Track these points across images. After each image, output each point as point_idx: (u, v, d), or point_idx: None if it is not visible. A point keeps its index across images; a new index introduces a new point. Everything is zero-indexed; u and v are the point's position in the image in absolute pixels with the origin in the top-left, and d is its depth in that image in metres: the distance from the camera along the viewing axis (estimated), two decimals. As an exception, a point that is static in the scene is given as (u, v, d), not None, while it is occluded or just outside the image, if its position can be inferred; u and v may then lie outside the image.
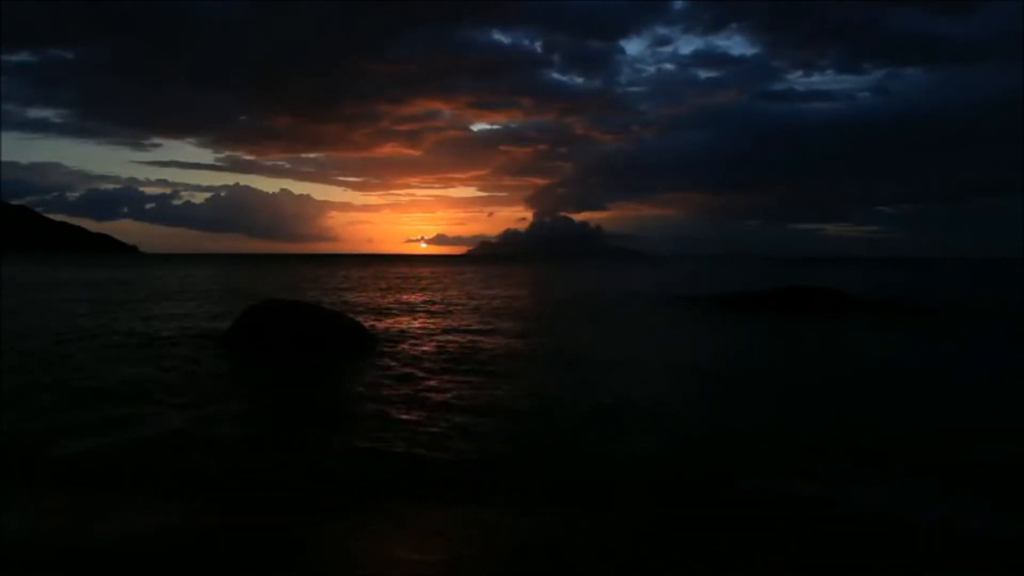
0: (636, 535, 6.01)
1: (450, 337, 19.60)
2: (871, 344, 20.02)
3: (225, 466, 7.83)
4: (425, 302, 33.93)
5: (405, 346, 17.63)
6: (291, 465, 7.89)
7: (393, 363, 14.85)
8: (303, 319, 16.81)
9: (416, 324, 23.36)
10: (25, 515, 6.39)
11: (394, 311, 28.50)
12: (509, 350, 17.17)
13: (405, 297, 37.70)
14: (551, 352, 17.18)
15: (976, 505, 6.91)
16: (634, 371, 14.53)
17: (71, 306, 29.16)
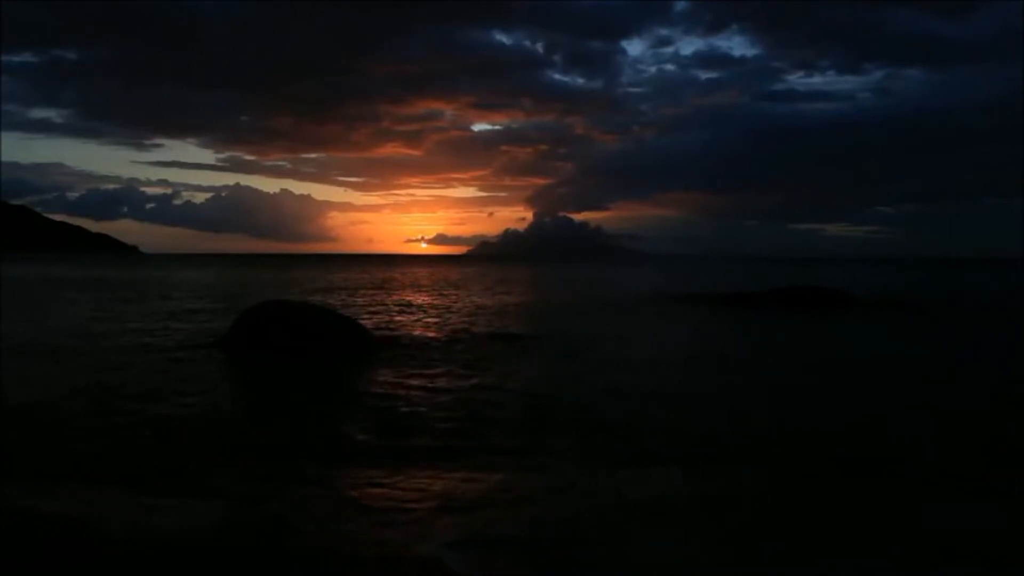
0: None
1: (451, 337, 19.64)
2: (855, 343, 19.99)
3: (225, 468, 7.89)
4: (425, 302, 33.97)
5: (406, 346, 17.66)
6: (289, 470, 7.95)
7: (394, 363, 14.89)
8: (303, 320, 16.82)
9: (417, 324, 23.42)
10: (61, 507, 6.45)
11: (395, 311, 28.55)
12: (511, 352, 17.22)
13: (405, 297, 37.75)
14: (552, 352, 17.22)
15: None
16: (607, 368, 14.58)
17: (70, 307, 29.22)
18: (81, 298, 34.46)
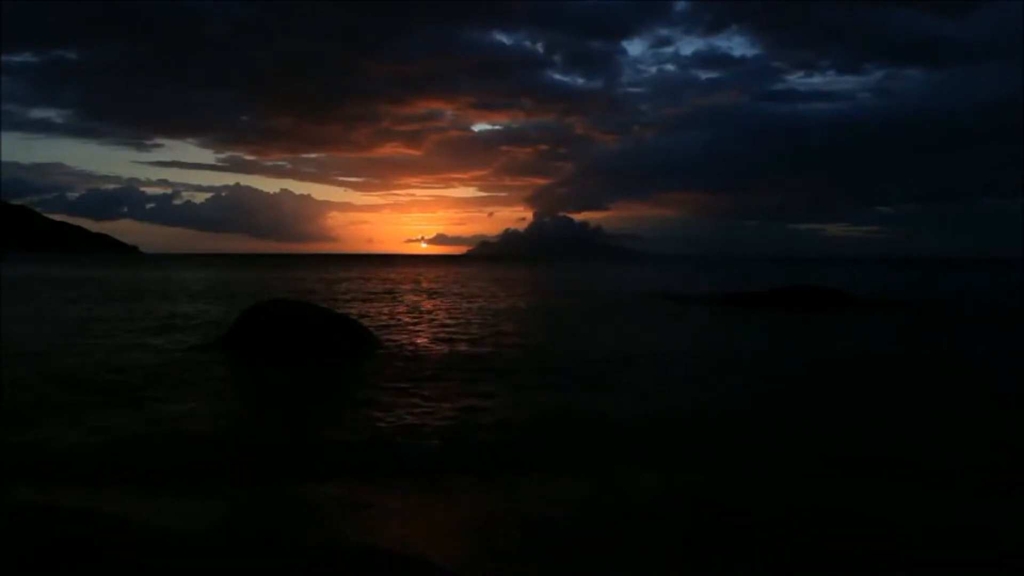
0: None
1: (452, 337, 19.65)
2: (855, 343, 19.95)
3: (226, 468, 7.90)
4: (425, 302, 33.98)
5: (407, 347, 17.66)
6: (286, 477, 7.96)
7: (395, 365, 14.88)
8: (304, 320, 16.81)
9: (418, 325, 23.42)
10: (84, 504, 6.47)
11: (395, 311, 28.55)
12: (511, 352, 17.22)
13: (406, 297, 37.75)
14: (552, 354, 17.21)
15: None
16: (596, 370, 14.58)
17: (69, 307, 29.22)
18: (81, 298, 34.46)
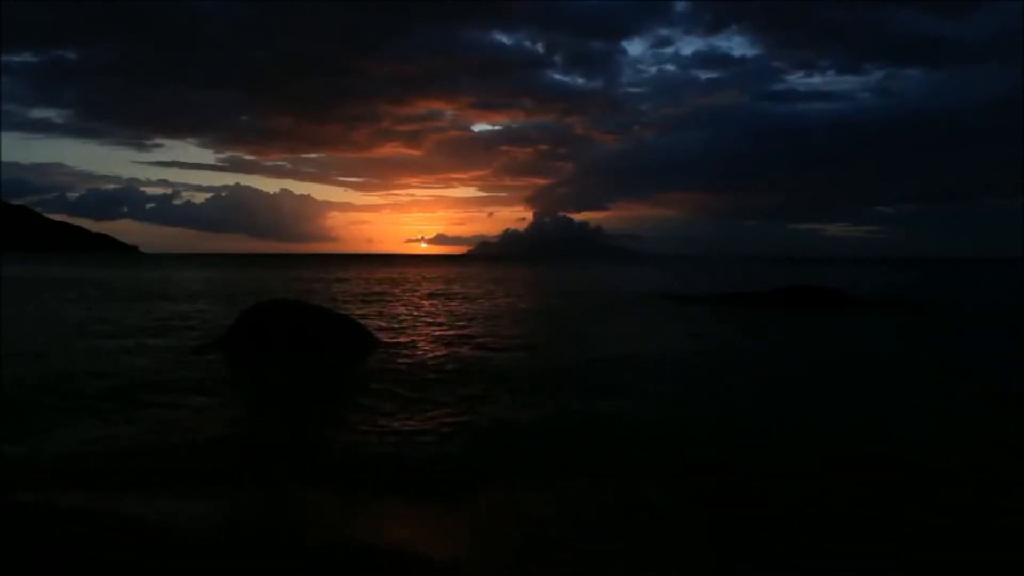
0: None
1: (452, 337, 19.65)
2: (855, 343, 19.96)
3: (226, 468, 7.89)
4: (426, 302, 33.97)
5: (407, 347, 17.66)
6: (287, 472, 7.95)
7: (396, 367, 14.87)
8: (304, 320, 16.80)
9: (417, 325, 23.42)
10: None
11: (395, 311, 28.54)
12: (511, 352, 17.21)
13: (406, 297, 37.75)
14: (553, 353, 17.21)
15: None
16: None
17: (69, 307, 29.22)
18: (81, 298, 34.46)
